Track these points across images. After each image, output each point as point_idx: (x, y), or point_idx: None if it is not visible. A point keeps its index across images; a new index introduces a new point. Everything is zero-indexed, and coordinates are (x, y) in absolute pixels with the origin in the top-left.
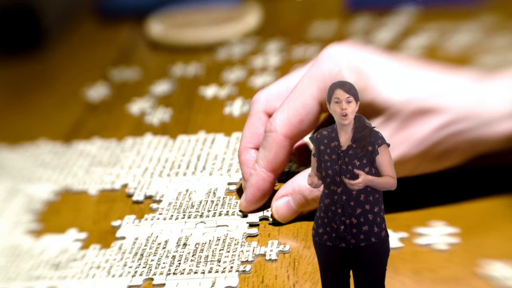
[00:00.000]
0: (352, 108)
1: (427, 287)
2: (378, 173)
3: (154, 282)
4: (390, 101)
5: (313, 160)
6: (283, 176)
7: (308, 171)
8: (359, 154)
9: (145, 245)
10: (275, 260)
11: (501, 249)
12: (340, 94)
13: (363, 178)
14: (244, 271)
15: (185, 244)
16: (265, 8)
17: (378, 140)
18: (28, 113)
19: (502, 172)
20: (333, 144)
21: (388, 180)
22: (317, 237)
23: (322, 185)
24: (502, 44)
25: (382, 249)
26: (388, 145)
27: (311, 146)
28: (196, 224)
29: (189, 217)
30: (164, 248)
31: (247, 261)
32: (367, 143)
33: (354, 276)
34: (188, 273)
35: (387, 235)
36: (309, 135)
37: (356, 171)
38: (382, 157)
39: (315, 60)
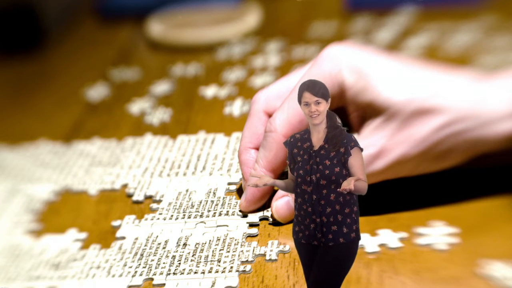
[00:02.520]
0: (322, 108)
1: (427, 287)
2: (349, 175)
3: (154, 282)
4: (390, 101)
5: (287, 164)
6: (283, 176)
7: None
8: (331, 154)
9: (145, 245)
10: (275, 260)
11: (501, 249)
12: (308, 97)
13: (351, 187)
14: (244, 271)
15: (185, 244)
16: (265, 8)
17: (351, 143)
18: (28, 113)
19: (502, 172)
20: (306, 145)
21: (361, 184)
22: (295, 235)
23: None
24: (502, 44)
25: (348, 250)
26: (361, 149)
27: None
28: (196, 224)
29: (189, 217)
30: (164, 248)
31: (247, 261)
32: (339, 143)
33: (313, 270)
34: (188, 273)
35: (357, 238)
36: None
37: (350, 180)
38: (354, 160)
39: (315, 60)
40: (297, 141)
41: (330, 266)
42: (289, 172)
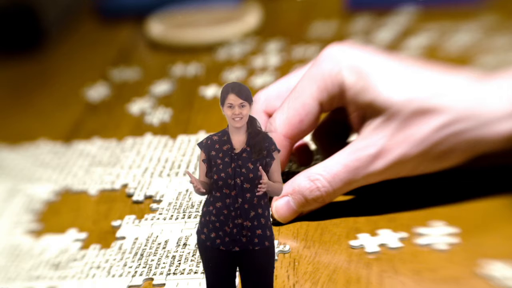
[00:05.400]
0: (246, 111)
1: (427, 287)
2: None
3: (154, 282)
4: (390, 101)
5: (202, 166)
6: (283, 176)
7: (308, 171)
8: (253, 158)
9: (145, 245)
10: (275, 260)
11: (501, 249)
12: (233, 99)
13: (266, 181)
14: None
15: (185, 244)
16: (265, 8)
17: (271, 146)
18: (28, 113)
19: (502, 172)
20: (225, 147)
21: (279, 186)
22: (209, 241)
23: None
24: (502, 44)
25: (271, 251)
26: (279, 151)
27: (199, 151)
28: (196, 224)
29: (189, 217)
30: (164, 248)
31: None
32: (263, 149)
33: (243, 277)
34: (188, 273)
35: (273, 238)
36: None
37: (261, 173)
38: (274, 163)
39: (315, 60)
40: (215, 143)
41: (263, 270)
42: (199, 173)
